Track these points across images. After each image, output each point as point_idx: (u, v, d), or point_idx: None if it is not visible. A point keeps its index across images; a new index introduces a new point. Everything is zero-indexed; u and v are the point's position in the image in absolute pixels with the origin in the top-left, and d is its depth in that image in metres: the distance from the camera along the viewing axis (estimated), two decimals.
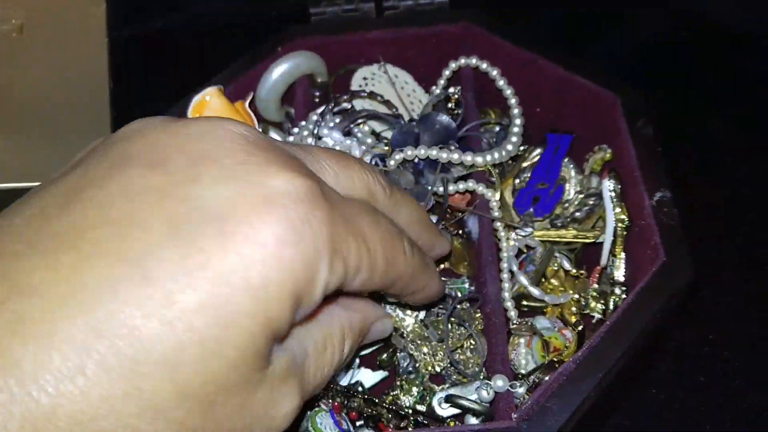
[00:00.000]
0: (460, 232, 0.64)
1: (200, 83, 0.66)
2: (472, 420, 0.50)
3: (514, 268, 0.58)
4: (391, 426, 0.49)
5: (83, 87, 0.65)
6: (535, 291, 0.57)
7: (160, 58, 0.85)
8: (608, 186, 0.58)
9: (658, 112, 0.62)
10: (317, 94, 0.71)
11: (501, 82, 0.67)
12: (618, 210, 0.58)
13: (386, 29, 0.70)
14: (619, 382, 0.49)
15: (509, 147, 0.62)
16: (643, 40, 0.90)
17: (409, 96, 0.71)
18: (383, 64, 0.70)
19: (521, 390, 0.50)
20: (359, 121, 0.66)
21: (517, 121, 0.66)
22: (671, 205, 0.54)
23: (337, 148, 0.63)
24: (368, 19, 0.72)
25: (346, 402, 0.50)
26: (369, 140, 0.64)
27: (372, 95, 0.66)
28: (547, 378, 0.49)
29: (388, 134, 0.67)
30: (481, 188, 0.60)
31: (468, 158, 0.60)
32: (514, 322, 0.55)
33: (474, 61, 0.67)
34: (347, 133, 0.64)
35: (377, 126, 0.69)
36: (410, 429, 0.48)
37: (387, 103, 0.67)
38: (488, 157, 0.60)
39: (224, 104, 0.64)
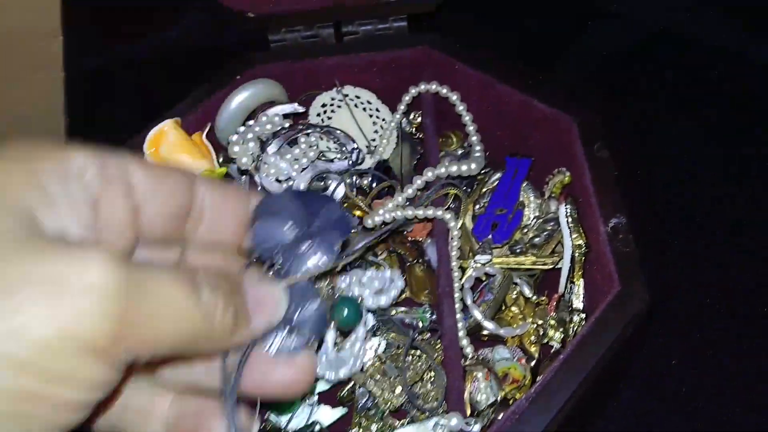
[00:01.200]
0: (420, 260, 0.64)
1: (159, 114, 0.65)
2: None
3: (468, 302, 0.57)
4: None
5: (38, 122, 0.64)
6: (489, 325, 0.56)
7: (119, 90, 0.84)
8: (564, 212, 0.58)
9: (617, 130, 0.62)
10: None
11: (460, 108, 0.66)
12: (576, 235, 0.58)
13: (346, 54, 0.70)
14: (576, 416, 0.49)
15: (473, 165, 0.61)
16: (605, 53, 0.89)
17: (372, 116, 0.71)
18: (341, 90, 0.70)
19: (476, 428, 0.49)
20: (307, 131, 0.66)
21: (477, 148, 0.65)
22: (626, 231, 0.54)
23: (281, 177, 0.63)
24: (328, 44, 0.71)
25: None
26: (311, 154, 0.63)
27: (328, 131, 0.65)
28: (500, 417, 0.49)
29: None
30: (440, 214, 0.59)
31: (434, 172, 0.60)
32: (470, 356, 0.55)
33: (434, 86, 0.66)
34: (293, 142, 0.64)
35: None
36: None
37: (344, 136, 0.66)
38: (453, 168, 0.60)
39: (181, 137, 0.64)
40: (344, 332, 0.55)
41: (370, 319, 0.57)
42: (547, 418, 0.46)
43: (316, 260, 0.34)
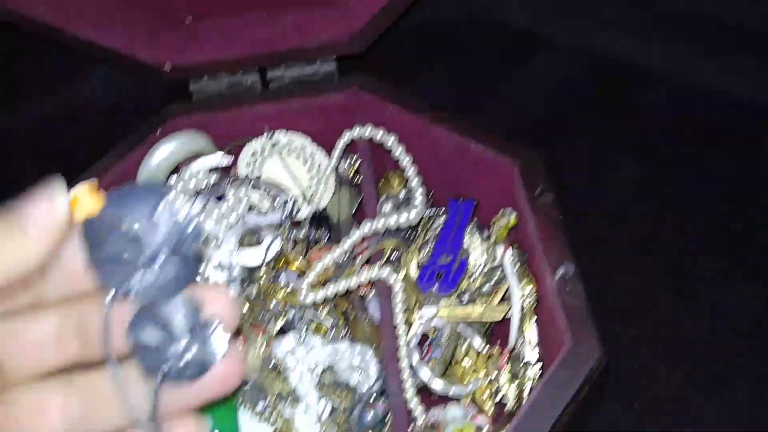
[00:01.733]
0: (365, 315, 0.60)
1: (75, 175, 0.60)
2: None
3: (414, 362, 0.54)
4: None
5: None
6: (437, 386, 0.53)
7: (31, 149, 0.78)
8: (510, 259, 0.55)
9: (563, 164, 0.59)
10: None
11: (397, 152, 0.63)
12: (524, 282, 0.55)
13: (273, 101, 0.66)
14: None
15: (412, 215, 0.58)
16: (541, 85, 0.87)
17: (307, 162, 0.67)
18: (271, 134, 0.66)
19: None
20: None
21: (417, 194, 0.62)
22: (575, 280, 0.51)
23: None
24: (253, 91, 0.68)
25: None
26: (241, 209, 0.60)
27: (256, 184, 0.62)
28: None
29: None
30: (376, 273, 0.56)
31: (372, 226, 0.57)
32: (420, 421, 0.51)
33: (368, 131, 0.63)
34: (221, 198, 0.60)
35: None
36: None
37: (276, 188, 0.63)
38: (391, 221, 0.57)
39: (97, 201, 0.59)
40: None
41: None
42: None
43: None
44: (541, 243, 0.53)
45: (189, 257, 0.33)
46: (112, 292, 0.33)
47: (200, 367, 0.34)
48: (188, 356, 0.33)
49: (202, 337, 0.33)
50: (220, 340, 0.34)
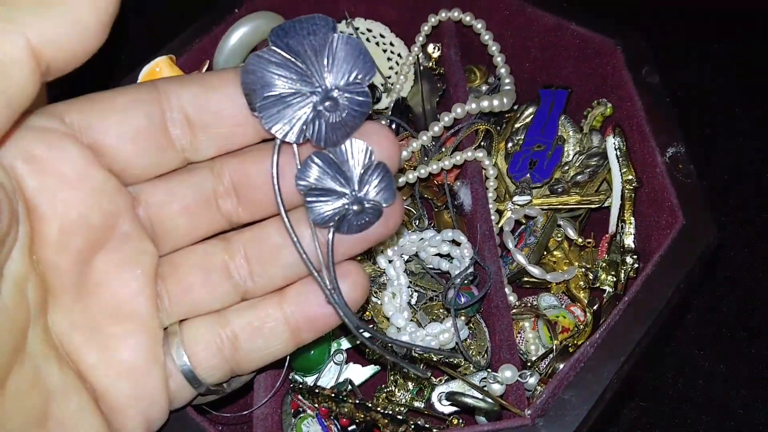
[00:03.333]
0: (452, 204, 0.58)
1: (151, 52, 0.58)
2: (480, 419, 0.44)
3: (510, 246, 0.51)
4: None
5: None
6: (534, 270, 0.51)
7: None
8: (613, 144, 0.52)
9: (663, 56, 0.55)
10: None
11: (486, 37, 0.60)
12: (625, 170, 0.52)
13: None
14: (642, 364, 0.44)
15: (505, 99, 0.55)
16: None
17: (386, 51, 0.64)
18: (351, 22, 0.63)
19: (532, 380, 0.44)
20: None
21: (507, 80, 0.59)
22: (686, 160, 0.48)
23: None
24: None
25: (334, 407, 0.44)
26: None
27: None
28: (561, 366, 0.43)
29: None
30: (470, 154, 0.53)
31: (464, 108, 0.54)
32: (515, 304, 0.49)
33: (456, 13, 0.60)
34: None
35: None
36: None
37: None
38: (484, 103, 0.54)
39: (176, 73, 0.57)
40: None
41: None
42: (616, 364, 0.41)
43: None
44: (650, 124, 0.50)
45: (361, 94, 0.31)
46: (285, 132, 0.30)
47: (371, 215, 0.32)
48: (360, 205, 0.31)
49: (373, 183, 0.32)
50: (387, 184, 0.32)
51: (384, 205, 0.32)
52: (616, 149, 0.52)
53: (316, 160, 0.31)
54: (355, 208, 0.32)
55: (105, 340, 0.31)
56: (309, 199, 0.32)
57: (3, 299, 0.27)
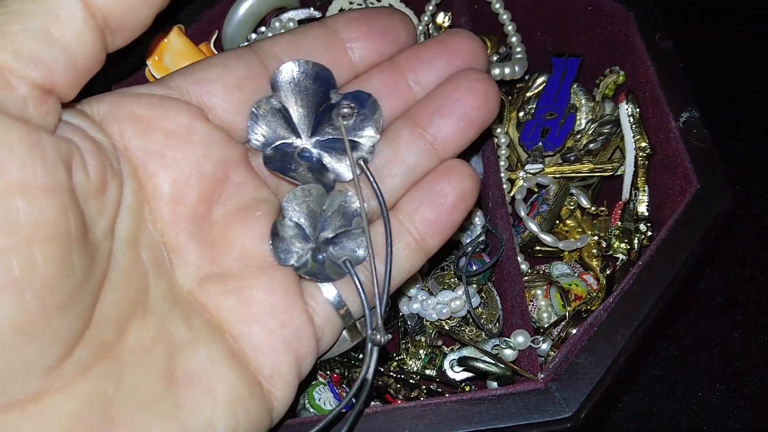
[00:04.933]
0: None
1: (159, 22, 0.58)
2: (492, 384, 0.44)
3: (522, 214, 0.51)
4: (400, 397, 0.42)
5: None
6: (547, 238, 0.51)
7: None
8: (626, 110, 0.52)
9: (673, 23, 0.54)
10: None
11: (497, 5, 0.59)
12: (638, 137, 0.51)
13: None
14: (655, 331, 0.44)
15: (517, 67, 0.55)
16: None
17: None
18: None
19: (545, 346, 0.44)
20: None
21: (519, 49, 0.59)
22: (700, 125, 0.48)
23: None
24: None
25: (346, 373, 0.43)
26: None
27: None
28: (574, 331, 0.43)
29: None
30: None
31: None
32: (527, 272, 0.49)
33: None
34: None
35: None
36: (422, 399, 0.42)
37: None
38: (495, 71, 0.54)
39: (187, 45, 0.57)
40: None
41: None
42: (630, 328, 0.40)
43: None
44: (663, 89, 0.50)
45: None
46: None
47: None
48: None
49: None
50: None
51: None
52: (629, 116, 0.52)
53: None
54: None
55: (240, 285, 0.32)
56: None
57: (116, 257, 0.28)
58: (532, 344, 0.43)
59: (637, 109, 0.51)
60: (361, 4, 0.63)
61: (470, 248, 0.49)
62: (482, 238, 0.49)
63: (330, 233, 0.35)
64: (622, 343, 0.40)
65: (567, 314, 0.46)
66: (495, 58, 0.62)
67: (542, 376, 0.40)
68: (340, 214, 0.35)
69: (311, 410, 0.44)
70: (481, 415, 0.39)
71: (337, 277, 0.34)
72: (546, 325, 0.47)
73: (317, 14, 0.61)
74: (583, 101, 0.56)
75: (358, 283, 0.33)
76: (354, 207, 0.35)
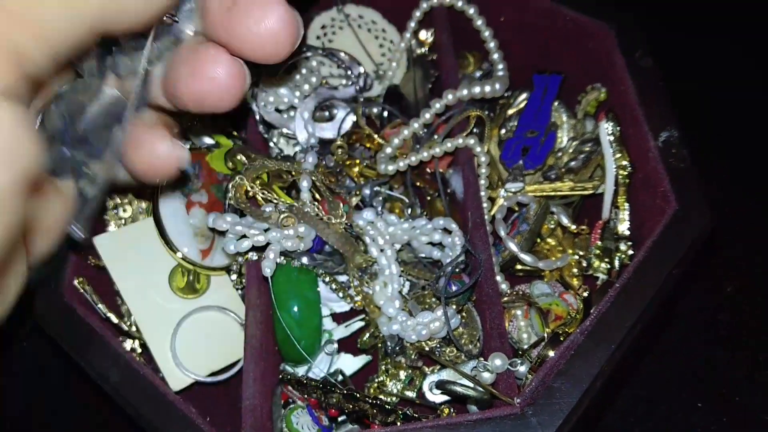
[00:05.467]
0: (444, 192, 0.57)
1: None
2: (472, 407, 0.44)
3: (502, 233, 0.51)
4: (377, 422, 0.42)
5: None
6: (527, 258, 0.50)
7: None
8: (606, 129, 0.52)
9: (655, 40, 0.54)
10: None
11: (479, 22, 0.59)
12: (619, 155, 0.51)
13: None
14: (634, 352, 0.43)
15: (497, 85, 0.55)
16: None
17: (378, 37, 0.63)
18: (342, 8, 0.62)
19: (523, 369, 0.44)
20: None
21: (500, 66, 0.59)
22: (680, 145, 0.48)
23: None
24: None
25: (323, 397, 0.43)
26: (313, 80, 0.57)
27: (331, 54, 0.58)
28: (552, 353, 0.43)
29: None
30: (461, 141, 0.53)
31: (455, 94, 0.54)
32: (507, 292, 0.49)
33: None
34: (291, 68, 0.57)
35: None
36: (398, 424, 0.42)
37: (349, 59, 0.59)
38: (476, 89, 0.54)
39: None
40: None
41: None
42: (607, 351, 0.40)
43: None
44: (642, 108, 0.50)
45: None
46: None
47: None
48: None
49: None
50: None
51: None
52: (609, 134, 0.52)
53: None
54: None
55: None
56: None
57: None
58: (510, 367, 0.43)
59: (618, 128, 0.51)
60: (343, 21, 0.63)
61: (449, 268, 0.49)
62: (461, 258, 0.49)
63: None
64: (599, 366, 0.40)
65: (546, 335, 0.46)
66: (478, 74, 0.62)
67: (518, 400, 0.40)
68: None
69: None
70: None
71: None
72: (525, 346, 0.47)
73: None
74: (564, 119, 0.56)
75: None
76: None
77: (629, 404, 0.53)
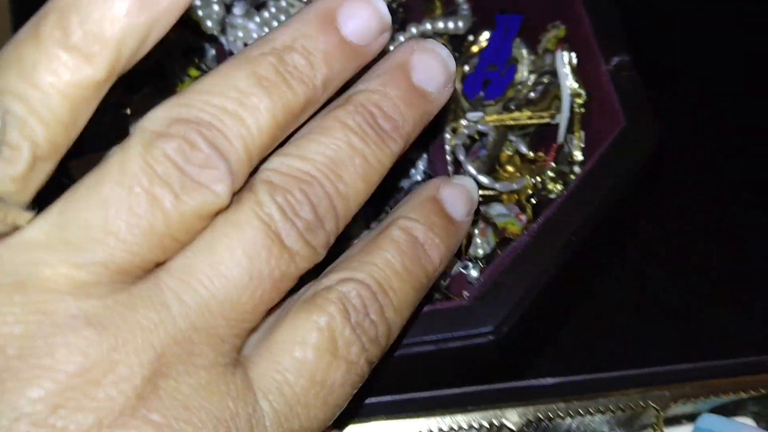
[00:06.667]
0: None
1: None
2: None
3: (461, 157, 0.53)
4: None
5: None
6: (484, 180, 0.52)
7: None
8: (562, 58, 0.54)
9: None
10: None
11: None
12: (575, 84, 0.53)
13: None
14: (583, 259, 0.45)
15: (460, 23, 0.57)
16: None
17: None
18: None
19: (474, 273, 0.45)
20: None
21: (465, 6, 0.60)
22: (630, 68, 0.50)
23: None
24: None
25: None
26: (282, 18, 0.58)
27: None
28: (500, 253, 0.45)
29: None
30: None
31: (419, 28, 0.55)
32: None
33: None
34: (261, 6, 0.58)
35: None
36: None
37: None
38: (439, 24, 0.56)
39: None
40: None
41: None
42: (552, 250, 0.42)
43: None
44: (597, 37, 0.52)
45: None
46: None
47: None
48: None
49: None
50: None
51: None
52: (565, 64, 0.53)
53: None
54: None
55: None
56: None
57: None
58: (461, 270, 0.44)
59: (574, 55, 0.53)
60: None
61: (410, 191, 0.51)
62: (420, 178, 0.51)
63: None
64: (544, 264, 0.42)
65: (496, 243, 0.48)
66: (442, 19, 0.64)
67: (467, 294, 0.41)
68: None
69: None
70: (410, 331, 0.40)
71: None
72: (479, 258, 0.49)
73: None
74: (524, 54, 0.58)
75: None
76: None
77: (581, 325, 0.54)
